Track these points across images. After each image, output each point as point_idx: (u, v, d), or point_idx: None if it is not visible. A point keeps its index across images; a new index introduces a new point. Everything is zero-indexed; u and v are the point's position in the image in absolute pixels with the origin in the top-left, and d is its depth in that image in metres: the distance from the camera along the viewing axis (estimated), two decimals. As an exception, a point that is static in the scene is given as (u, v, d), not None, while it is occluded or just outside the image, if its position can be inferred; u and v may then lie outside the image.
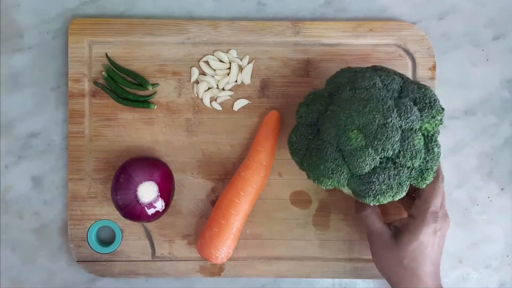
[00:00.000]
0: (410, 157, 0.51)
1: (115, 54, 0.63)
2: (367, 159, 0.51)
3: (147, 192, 0.58)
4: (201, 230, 0.62)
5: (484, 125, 0.66)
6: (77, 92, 0.63)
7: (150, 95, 0.63)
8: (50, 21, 0.65)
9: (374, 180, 0.51)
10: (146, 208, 0.58)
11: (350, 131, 0.51)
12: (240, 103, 0.64)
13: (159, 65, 0.64)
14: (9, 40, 0.65)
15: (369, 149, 0.51)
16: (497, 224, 0.66)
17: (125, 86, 0.63)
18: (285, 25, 0.63)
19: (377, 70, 0.56)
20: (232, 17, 0.65)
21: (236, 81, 0.64)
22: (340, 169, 0.52)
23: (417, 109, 0.52)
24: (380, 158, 0.51)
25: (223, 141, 0.64)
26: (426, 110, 0.52)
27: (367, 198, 0.52)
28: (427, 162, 0.52)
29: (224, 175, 0.64)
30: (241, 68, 0.64)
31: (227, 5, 0.65)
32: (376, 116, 0.50)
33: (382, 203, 0.53)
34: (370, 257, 0.63)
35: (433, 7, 0.66)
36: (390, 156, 0.51)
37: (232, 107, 0.64)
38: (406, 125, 0.51)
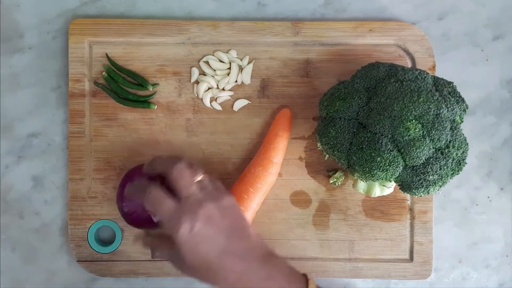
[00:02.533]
0: (457, 147, 0.53)
1: (115, 54, 0.64)
2: (424, 149, 0.52)
3: None
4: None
5: (484, 125, 0.66)
6: (77, 92, 0.63)
7: (151, 95, 0.63)
8: (51, 21, 0.65)
9: (428, 170, 0.52)
10: (152, 215, 0.58)
11: (408, 122, 0.51)
12: (240, 103, 0.64)
13: (159, 65, 0.64)
14: (10, 40, 0.65)
15: (427, 139, 0.51)
16: (496, 224, 0.66)
17: (125, 86, 0.63)
18: (285, 25, 0.63)
19: (397, 66, 0.57)
20: (232, 17, 0.65)
21: (236, 81, 0.64)
22: (396, 160, 0.52)
23: (455, 101, 0.54)
24: (434, 148, 0.52)
25: (223, 141, 0.64)
26: (460, 103, 0.55)
27: (419, 189, 0.53)
28: (463, 152, 0.54)
29: (225, 175, 0.64)
30: (241, 68, 0.64)
31: (227, 5, 0.65)
32: (431, 106, 0.51)
33: (430, 193, 0.54)
34: (370, 257, 0.64)
35: (433, 7, 0.66)
36: (441, 146, 0.52)
37: (232, 107, 0.64)
38: (451, 116, 0.53)
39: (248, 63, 0.64)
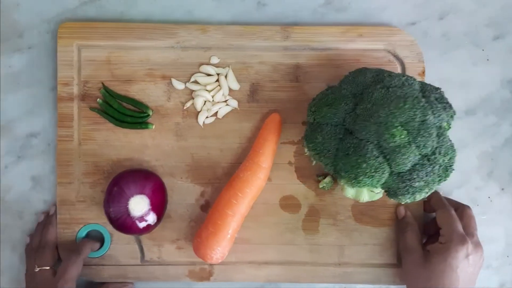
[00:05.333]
0: (443, 153, 0.53)
1: (104, 58, 0.63)
2: (410, 156, 0.51)
3: (138, 205, 0.58)
4: (198, 229, 0.62)
5: (485, 125, 0.66)
6: (66, 96, 0.63)
7: (146, 115, 0.63)
8: (50, 21, 0.65)
9: (414, 177, 0.52)
10: (137, 221, 0.58)
11: (394, 128, 0.51)
12: (224, 110, 0.64)
13: (148, 69, 0.64)
14: (9, 40, 0.65)
15: (413, 146, 0.51)
16: (497, 224, 0.66)
17: (121, 111, 0.63)
18: (274, 29, 0.63)
19: (384, 71, 0.57)
20: (232, 17, 0.65)
21: (223, 94, 0.63)
22: (382, 167, 0.52)
23: (442, 107, 0.54)
24: (420, 155, 0.52)
25: (212, 146, 0.64)
26: (447, 109, 0.54)
27: (405, 195, 0.53)
28: (449, 159, 0.54)
29: (214, 180, 0.64)
30: (225, 76, 0.63)
31: (227, 5, 0.65)
32: (417, 113, 0.51)
33: (416, 200, 0.54)
34: (360, 261, 0.64)
35: (434, 7, 0.66)
36: (427, 153, 0.52)
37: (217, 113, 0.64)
38: (437, 122, 0.53)
39: (225, 67, 0.63)
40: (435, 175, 0.53)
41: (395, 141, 0.51)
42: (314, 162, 0.57)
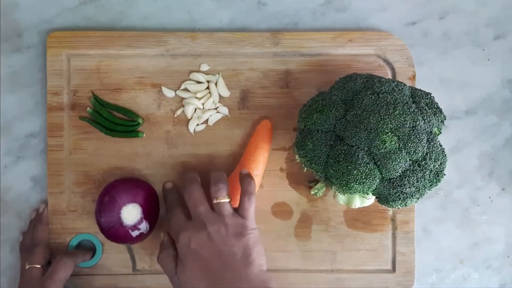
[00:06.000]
0: (434, 159, 0.52)
1: (93, 66, 0.63)
2: (401, 161, 0.51)
3: (131, 214, 0.58)
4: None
5: (485, 125, 0.66)
6: (55, 105, 0.63)
7: (137, 124, 0.63)
8: (50, 21, 0.65)
9: (405, 183, 0.52)
10: (130, 230, 0.58)
11: (384, 134, 0.51)
12: (215, 118, 0.63)
13: (138, 77, 0.63)
14: (9, 40, 0.65)
15: (403, 152, 0.51)
16: (498, 224, 0.65)
17: (111, 120, 0.63)
18: (264, 36, 0.63)
19: (375, 76, 0.57)
20: (232, 17, 0.65)
21: (213, 102, 0.63)
22: (373, 173, 0.52)
23: (432, 112, 0.54)
24: (411, 160, 0.52)
25: (203, 153, 0.64)
26: (437, 115, 0.54)
27: (396, 202, 0.53)
28: (440, 164, 0.54)
29: (205, 187, 0.63)
30: (215, 83, 0.63)
31: (227, 4, 0.65)
32: (407, 119, 0.51)
33: (407, 205, 0.54)
34: (352, 268, 0.63)
35: (434, 7, 0.66)
36: (418, 158, 0.52)
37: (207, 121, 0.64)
38: (428, 128, 0.53)
39: (215, 74, 0.63)
40: (426, 181, 0.53)
41: (385, 147, 0.51)
42: (305, 169, 0.57)
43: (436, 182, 0.54)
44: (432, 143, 0.53)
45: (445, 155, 0.54)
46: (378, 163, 0.52)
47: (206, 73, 0.64)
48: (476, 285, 0.65)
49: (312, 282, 0.63)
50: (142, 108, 0.63)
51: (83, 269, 0.63)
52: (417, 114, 0.52)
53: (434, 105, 0.55)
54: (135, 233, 0.58)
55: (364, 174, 0.52)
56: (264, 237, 0.63)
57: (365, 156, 0.52)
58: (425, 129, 0.52)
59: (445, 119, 0.55)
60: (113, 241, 0.59)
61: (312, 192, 0.63)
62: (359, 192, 0.53)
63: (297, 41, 0.63)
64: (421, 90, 0.56)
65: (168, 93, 0.63)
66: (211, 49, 0.63)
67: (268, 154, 0.62)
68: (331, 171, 0.53)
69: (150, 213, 0.59)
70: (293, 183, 0.64)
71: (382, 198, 0.54)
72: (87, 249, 0.63)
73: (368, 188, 0.53)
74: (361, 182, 0.52)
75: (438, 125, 0.55)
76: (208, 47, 0.63)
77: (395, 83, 0.55)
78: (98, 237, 0.63)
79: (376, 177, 0.52)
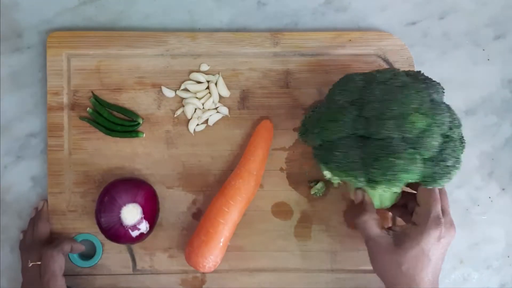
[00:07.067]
0: (458, 126, 0.53)
1: (93, 67, 0.63)
2: (435, 135, 0.51)
3: (131, 214, 0.58)
4: (190, 238, 0.61)
5: (485, 125, 0.66)
6: (55, 105, 0.63)
7: (137, 124, 0.63)
8: (49, 21, 0.65)
9: (445, 156, 0.51)
10: (130, 230, 0.58)
11: (411, 115, 0.51)
12: (214, 118, 0.63)
13: (138, 77, 0.63)
14: (9, 40, 0.65)
15: (433, 126, 0.51)
16: (498, 224, 0.66)
17: (111, 120, 0.63)
18: (264, 36, 0.63)
19: (369, 72, 0.57)
20: (232, 17, 0.65)
21: (213, 102, 0.63)
22: (415, 157, 0.51)
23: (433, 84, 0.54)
24: (441, 134, 0.52)
25: (203, 153, 0.64)
26: (437, 85, 0.55)
27: (443, 178, 0.52)
28: (459, 129, 0.54)
29: (205, 187, 0.63)
30: (215, 83, 0.63)
31: (227, 4, 0.65)
32: (423, 95, 0.51)
33: (451, 179, 0.53)
34: (353, 268, 0.63)
35: (434, 7, 0.66)
36: (445, 130, 0.52)
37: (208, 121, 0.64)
38: (440, 98, 0.53)
39: (215, 75, 0.63)
40: (458, 149, 0.53)
41: (416, 128, 0.51)
42: (336, 182, 0.56)
43: (462, 149, 0.53)
44: (450, 112, 0.53)
45: (459, 118, 0.54)
46: (415, 146, 0.51)
47: (206, 73, 0.64)
48: (476, 285, 0.65)
49: (312, 282, 0.63)
50: (142, 108, 0.63)
51: (83, 269, 0.63)
52: (428, 88, 0.52)
53: (429, 79, 0.55)
54: (135, 233, 0.58)
55: (408, 160, 0.51)
56: (264, 237, 0.63)
57: (401, 143, 0.51)
58: (439, 99, 0.53)
59: (444, 90, 0.55)
60: (113, 241, 0.59)
61: (312, 192, 0.63)
62: (408, 180, 0.52)
63: (297, 41, 0.63)
64: (412, 70, 0.56)
65: (168, 93, 0.63)
66: (211, 49, 0.63)
67: (268, 154, 0.62)
68: (373, 170, 0.52)
69: (150, 213, 0.59)
70: (293, 183, 0.64)
71: (429, 180, 0.52)
72: (87, 249, 0.63)
73: (415, 174, 0.51)
74: (407, 170, 0.51)
75: (442, 95, 0.55)
76: (208, 47, 0.63)
77: (392, 70, 0.55)
78: (98, 237, 0.63)
79: (418, 160, 0.51)
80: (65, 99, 0.63)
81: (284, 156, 0.64)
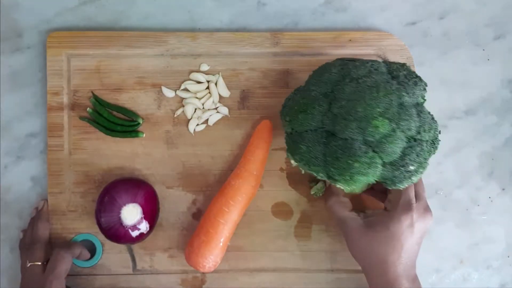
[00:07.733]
0: (428, 129, 0.52)
1: (93, 67, 0.63)
2: (398, 142, 0.51)
3: (131, 214, 0.58)
4: (190, 238, 0.61)
5: (485, 125, 0.66)
6: (55, 105, 0.63)
7: (137, 123, 0.63)
8: (49, 21, 0.65)
9: (407, 161, 0.51)
10: (130, 230, 0.58)
11: (374, 120, 0.50)
12: (215, 118, 0.63)
13: (138, 77, 0.63)
14: (9, 40, 0.65)
15: (397, 132, 0.51)
16: (498, 224, 0.65)
17: (111, 120, 0.63)
18: (264, 36, 0.63)
19: (346, 60, 0.56)
20: (232, 17, 0.65)
21: (213, 102, 0.63)
22: (374, 161, 0.51)
23: (413, 83, 0.53)
24: (406, 138, 0.51)
25: (203, 153, 0.64)
26: (418, 84, 0.53)
27: (402, 182, 0.52)
28: (434, 132, 0.53)
29: (205, 187, 0.63)
30: (215, 83, 0.63)
31: (227, 4, 0.65)
32: (392, 98, 0.51)
33: (414, 182, 0.53)
34: (353, 268, 0.63)
35: (434, 7, 0.66)
36: (413, 134, 0.51)
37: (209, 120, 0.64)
38: (413, 100, 0.52)
39: (215, 75, 0.63)
40: (425, 153, 0.52)
41: (379, 132, 0.50)
42: (303, 171, 0.56)
43: (433, 151, 0.53)
44: (421, 115, 0.52)
45: (435, 121, 0.54)
46: (376, 149, 0.51)
47: (206, 73, 0.64)
48: (476, 285, 0.65)
49: (312, 282, 0.63)
50: (142, 108, 0.63)
51: (83, 269, 0.63)
52: (401, 90, 0.51)
53: (412, 75, 0.54)
54: (135, 233, 0.58)
55: (366, 164, 0.51)
56: (264, 237, 0.63)
57: (362, 146, 0.51)
58: (411, 102, 0.52)
59: (427, 86, 0.54)
60: (113, 241, 0.59)
61: (312, 192, 0.63)
62: (365, 182, 0.52)
63: (297, 41, 0.63)
64: (396, 63, 0.55)
65: (168, 93, 0.63)
66: (211, 49, 0.63)
67: (268, 154, 0.62)
68: (332, 169, 0.52)
69: (150, 213, 0.59)
70: (293, 183, 0.64)
71: (389, 182, 0.53)
72: (87, 249, 0.63)
73: (373, 176, 0.52)
74: (365, 173, 0.51)
75: (421, 93, 0.54)
76: (208, 47, 0.63)
77: (370, 63, 0.54)
78: (98, 237, 0.63)
79: (378, 164, 0.51)
80: (65, 99, 0.63)
81: (284, 156, 0.64)
